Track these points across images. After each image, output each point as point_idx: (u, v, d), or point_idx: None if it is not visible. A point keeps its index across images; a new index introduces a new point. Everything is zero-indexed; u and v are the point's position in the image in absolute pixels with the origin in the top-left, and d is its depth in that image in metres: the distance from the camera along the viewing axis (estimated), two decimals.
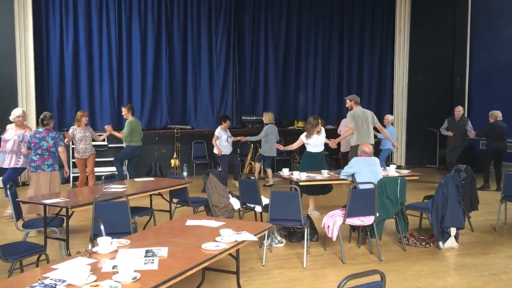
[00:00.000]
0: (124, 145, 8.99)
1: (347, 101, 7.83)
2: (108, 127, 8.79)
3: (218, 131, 9.07)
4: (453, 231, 5.63)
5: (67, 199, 5.04)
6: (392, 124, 10.45)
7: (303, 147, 7.46)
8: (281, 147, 7.82)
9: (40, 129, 6.35)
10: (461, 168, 6.08)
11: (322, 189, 7.06)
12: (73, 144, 8.65)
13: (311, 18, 12.58)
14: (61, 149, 6.41)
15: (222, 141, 9.02)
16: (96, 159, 9.97)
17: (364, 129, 7.49)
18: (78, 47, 10.69)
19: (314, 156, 7.20)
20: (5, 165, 6.98)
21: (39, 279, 2.78)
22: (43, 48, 10.41)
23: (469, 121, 9.91)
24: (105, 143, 10.07)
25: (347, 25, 12.84)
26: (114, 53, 10.95)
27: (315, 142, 7.16)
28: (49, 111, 10.22)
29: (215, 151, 9.03)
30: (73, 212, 4.97)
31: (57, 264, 3.09)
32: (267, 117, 9.60)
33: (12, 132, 7.05)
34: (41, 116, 6.48)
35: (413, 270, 4.96)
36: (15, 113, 7.15)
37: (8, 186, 5.14)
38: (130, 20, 11.04)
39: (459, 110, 9.94)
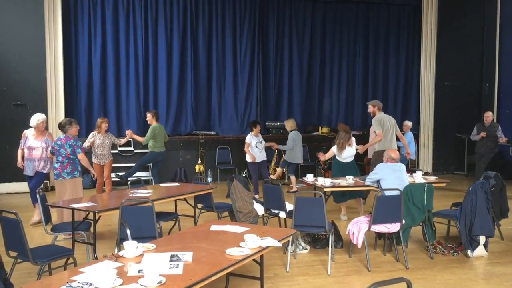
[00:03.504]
0: (148, 150, 9.04)
1: (370, 106, 7.67)
2: (128, 132, 8.87)
3: (248, 138, 8.97)
4: (482, 239, 5.50)
5: (94, 204, 5.12)
6: (410, 130, 10.28)
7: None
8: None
9: (61, 136, 6.25)
10: (491, 175, 5.94)
11: (353, 193, 7.04)
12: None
13: (336, 23, 12.53)
14: (80, 156, 6.27)
15: (252, 147, 8.98)
16: (122, 164, 10.21)
17: (388, 135, 7.39)
18: (105, 54, 10.91)
19: (345, 164, 7.27)
20: (33, 173, 6.88)
21: (67, 282, 2.83)
22: (71, 55, 10.65)
23: (499, 127, 9.64)
24: (131, 148, 10.21)
25: (372, 30, 12.74)
26: (141, 60, 11.13)
27: (346, 155, 7.24)
28: (77, 116, 10.55)
29: (248, 158, 8.91)
30: (100, 216, 5.05)
31: (84, 267, 3.15)
32: (289, 124, 9.43)
33: (34, 139, 6.85)
34: (61, 123, 6.34)
35: (440, 279, 4.86)
36: (39, 117, 6.85)
37: (38, 191, 5.26)
38: (156, 27, 11.21)
39: (488, 116, 9.61)
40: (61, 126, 6.25)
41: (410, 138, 10.00)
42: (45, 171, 6.97)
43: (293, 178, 9.54)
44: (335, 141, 7.34)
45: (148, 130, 8.86)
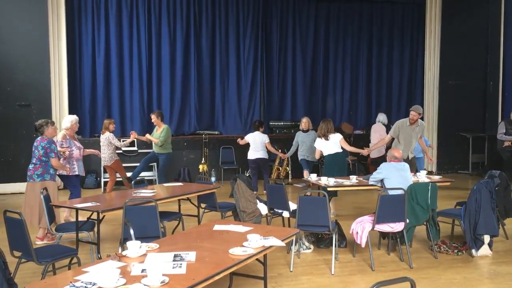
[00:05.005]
0: (156, 151, 8.89)
1: (415, 113, 7.21)
2: (132, 133, 8.82)
3: (266, 136, 9.03)
4: (486, 238, 5.47)
5: (97, 204, 5.13)
6: None
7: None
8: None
9: (38, 138, 6.06)
10: (495, 174, 5.91)
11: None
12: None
13: (339, 22, 12.51)
14: (52, 161, 5.96)
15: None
16: (126, 164, 10.21)
17: None
18: (109, 54, 10.94)
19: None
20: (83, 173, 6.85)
21: (71, 282, 2.84)
22: (75, 57, 10.69)
23: None
24: (135, 148, 10.24)
25: (375, 29, 12.72)
26: (144, 60, 11.15)
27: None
28: (81, 118, 10.56)
29: (264, 156, 9.03)
30: (103, 216, 5.06)
31: (88, 267, 3.16)
32: (310, 124, 9.38)
33: (73, 140, 6.78)
34: (36, 125, 6.07)
35: (445, 278, 4.85)
36: (72, 118, 6.82)
37: (41, 191, 5.28)
38: (159, 27, 11.23)
39: None
40: (37, 128, 6.02)
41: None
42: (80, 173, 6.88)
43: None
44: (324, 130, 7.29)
45: (162, 131, 8.67)
